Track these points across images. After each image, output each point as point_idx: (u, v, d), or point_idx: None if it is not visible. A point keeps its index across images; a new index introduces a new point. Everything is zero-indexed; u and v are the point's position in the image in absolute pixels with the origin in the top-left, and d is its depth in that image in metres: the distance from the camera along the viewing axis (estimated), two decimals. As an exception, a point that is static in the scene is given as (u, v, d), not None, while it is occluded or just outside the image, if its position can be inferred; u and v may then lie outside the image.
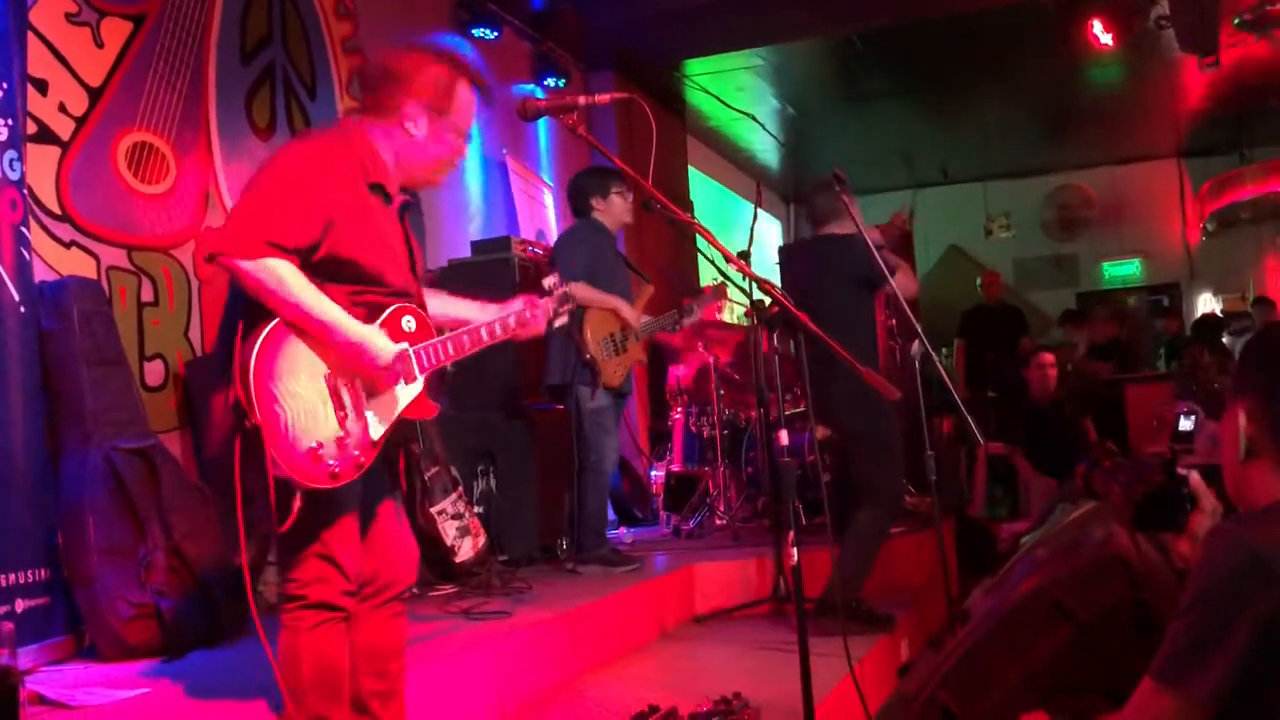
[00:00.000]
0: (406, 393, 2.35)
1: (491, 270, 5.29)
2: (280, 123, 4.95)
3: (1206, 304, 11.67)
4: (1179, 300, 11.83)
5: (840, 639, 2.89)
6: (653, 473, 6.87)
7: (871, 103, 9.46)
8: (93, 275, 3.89)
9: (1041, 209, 12.32)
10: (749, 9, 7.18)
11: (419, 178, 2.50)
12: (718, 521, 6.03)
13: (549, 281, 2.81)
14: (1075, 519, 2.28)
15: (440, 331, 2.47)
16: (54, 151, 3.82)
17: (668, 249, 8.05)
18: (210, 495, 3.81)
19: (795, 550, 2.43)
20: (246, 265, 2.12)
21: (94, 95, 3.98)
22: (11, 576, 3.16)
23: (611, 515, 5.84)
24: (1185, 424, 6.17)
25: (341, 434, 2.21)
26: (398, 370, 2.28)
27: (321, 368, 2.22)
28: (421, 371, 2.37)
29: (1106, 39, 7.58)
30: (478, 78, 2.50)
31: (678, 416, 6.51)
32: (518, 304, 2.66)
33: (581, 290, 4.49)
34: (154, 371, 4.14)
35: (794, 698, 2.52)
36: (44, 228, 3.74)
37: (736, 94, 9.12)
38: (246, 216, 2.18)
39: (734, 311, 7.90)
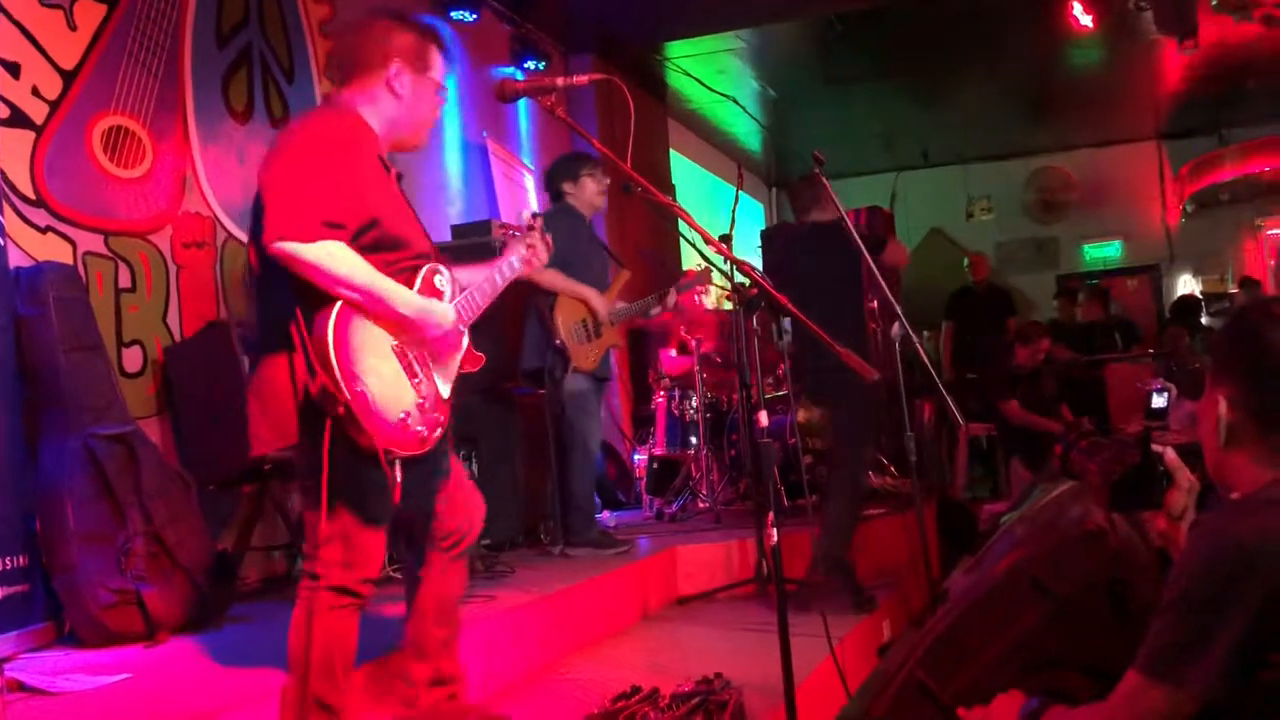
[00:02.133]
0: (459, 351, 2.49)
1: (472, 254, 5.26)
2: (258, 106, 4.91)
3: (1186, 285, 11.74)
4: (1159, 281, 11.90)
5: (821, 620, 2.90)
6: (636, 457, 6.87)
7: (853, 86, 9.44)
8: (69, 261, 3.85)
9: (1022, 191, 12.35)
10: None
11: (407, 139, 2.54)
12: (700, 504, 6.04)
13: (525, 214, 2.91)
14: (1053, 498, 2.30)
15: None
16: (28, 136, 3.78)
17: (649, 232, 8.04)
18: (190, 481, 3.80)
19: (775, 531, 2.43)
20: (308, 250, 2.15)
21: (68, 78, 3.94)
22: (-10, 564, 3.15)
23: (596, 499, 5.85)
24: (1158, 401, 6.21)
25: (420, 400, 2.31)
26: (460, 330, 2.43)
27: (389, 340, 2.29)
28: (463, 325, 2.50)
29: (1086, 21, 7.59)
30: (442, 39, 2.56)
31: (660, 400, 6.51)
32: (510, 251, 2.76)
33: (553, 278, 4.51)
34: (132, 358, 4.11)
35: (775, 677, 2.53)
36: (19, 213, 3.70)
37: (718, 77, 9.10)
38: (292, 202, 2.18)
39: (716, 296, 7.89)
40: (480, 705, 2.78)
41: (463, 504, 2.60)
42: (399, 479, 2.24)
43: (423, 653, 2.57)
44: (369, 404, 2.19)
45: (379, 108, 2.44)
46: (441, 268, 2.48)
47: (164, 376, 4.21)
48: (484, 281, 2.61)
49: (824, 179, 4.15)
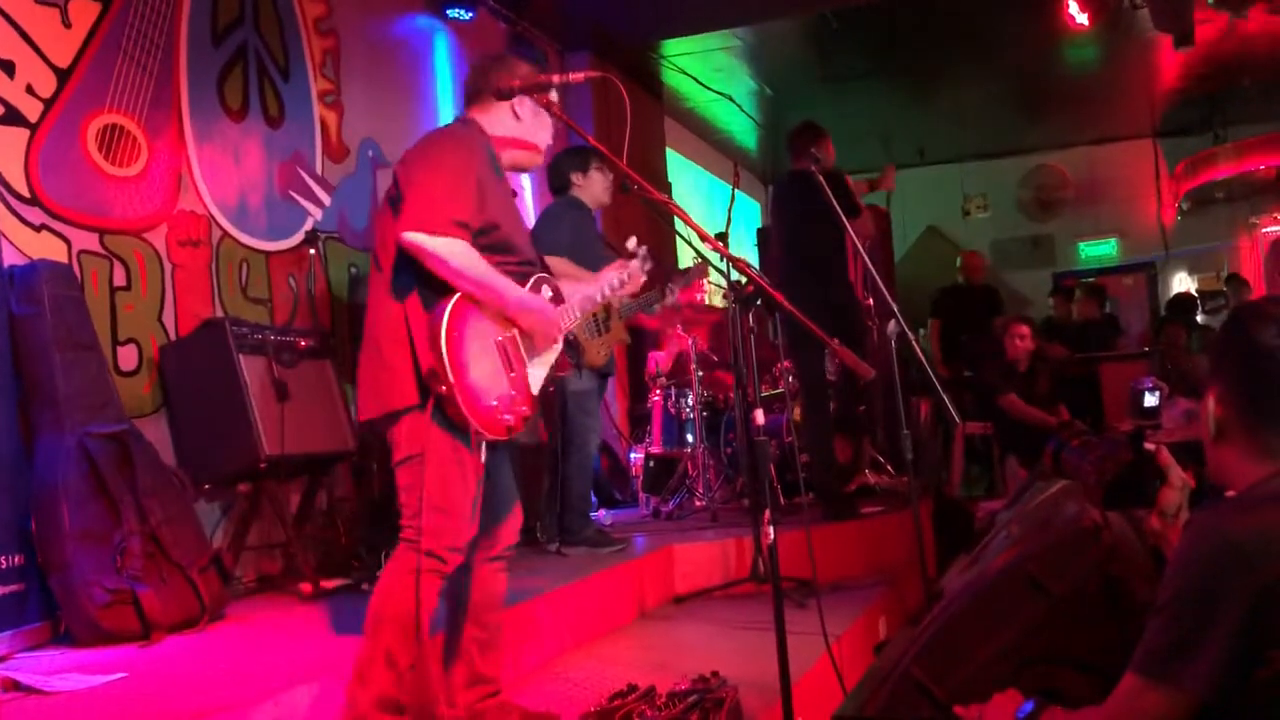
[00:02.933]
0: (552, 353, 2.73)
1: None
2: (253, 104, 4.90)
3: (1182, 283, 11.75)
4: (1155, 279, 11.91)
5: (819, 617, 2.90)
6: (632, 455, 6.87)
7: (848, 84, 9.44)
8: (64, 259, 3.84)
9: (1018, 189, 12.36)
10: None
11: (521, 161, 2.86)
12: (697, 503, 6.04)
13: (631, 243, 3.09)
14: (1049, 496, 2.30)
15: None
16: (22, 134, 3.77)
17: (646, 231, 8.01)
18: (186, 480, 3.80)
19: (772, 529, 2.43)
20: (436, 243, 2.43)
21: (62, 76, 3.93)
22: (-15, 563, 3.14)
23: (592, 498, 5.84)
24: (1150, 400, 6.20)
25: (512, 392, 2.56)
26: (563, 329, 2.70)
27: (493, 333, 2.56)
28: (561, 332, 2.74)
29: (1082, 19, 7.59)
30: (555, 83, 2.79)
31: (656, 399, 6.51)
32: (613, 270, 3.01)
33: (564, 265, 4.49)
34: (128, 356, 4.11)
35: (772, 675, 2.53)
36: (13, 211, 3.69)
37: (714, 75, 9.10)
38: (428, 200, 2.47)
39: (713, 293, 7.89)
40: (523, 705, 2.83)
41: (499, 510, 2.76)
42: (483, 459, 2.49)
43: (458, 652, 2.71)
44: (469, 386, 2.44)
45: (502, 127, 2.75)
46: (551, 281, 2.77)
47: (159, 375, 4.20)
48: (584, 298, 2.86)
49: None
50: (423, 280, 2.48)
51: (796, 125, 5.64)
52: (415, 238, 2.44)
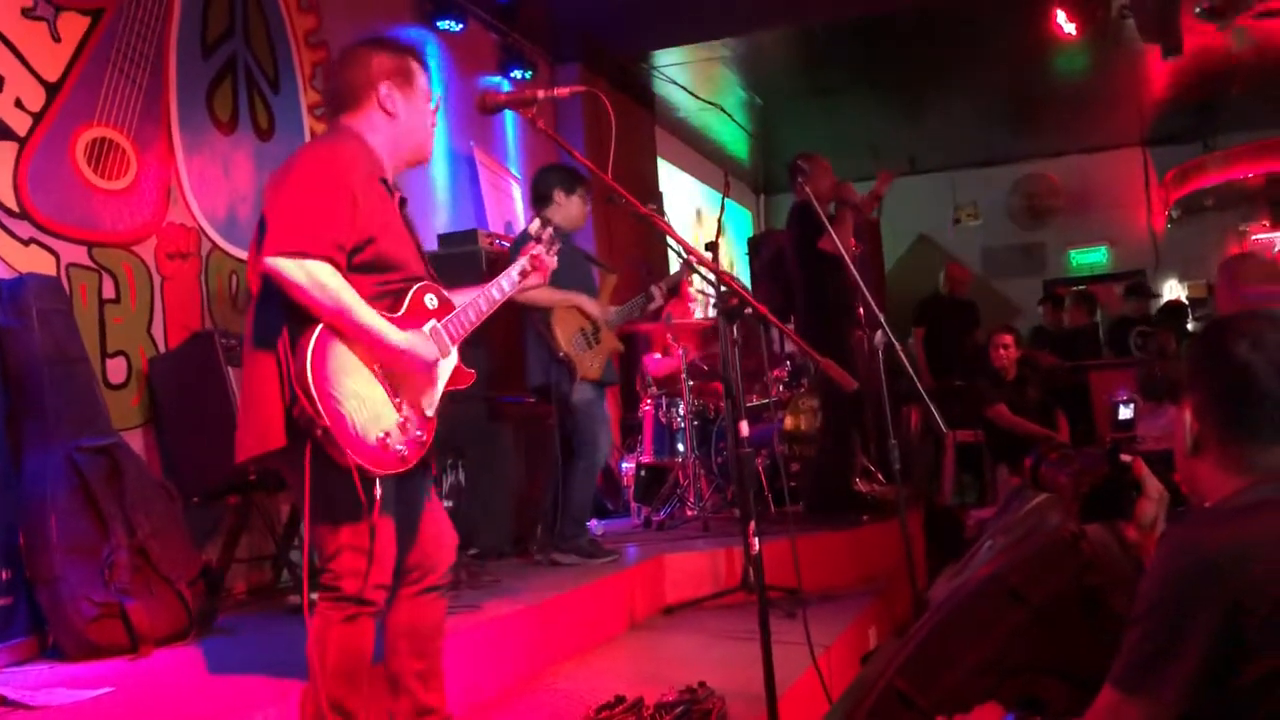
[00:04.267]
0: (445, 366, 2.50)
1: (459, 262, 5.28)
2: (242, 117, 4.91)
3: (1172, 290, 11.79)
4: (1147, 286, 11.94)
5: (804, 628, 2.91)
6: (623, 464, 6.87)
7: (838, 93, 9.49)
8: (52, 273, 3.85)
9: (1008, 198, 12.40)
10: (714, 0, 7.19)
11: (410, 157, 2.59)
12: (688, 512, 6.04)
13: (534, 226, 2.90)
14: (1032, 507, 2.31)
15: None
16: (11, 148, 3.77)
17: (636, 241, 8.06)
18: (175, 493, 3.80)
19: (757, 540, 2.44)
20: (298, 270, 2.20)
21: (51, 90, 3.94)
22: (-28, 577, 3.14)
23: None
24: (1125, 413, 6.22)
25: (401, 419, 2.35)
26: (422, 373, 2.42)
27: (369, 360, 2.33)
28: (453, 343, 2.53)
29: (1070, 29, 7.64)
30: (420, 54, 2.61)
31: (647, 408, 6.52)
32: (519, 261, 2.77)
33: (542, 292, 4.50)
34: (116, 369, 4.11)
35: (759, 686, 2.53)
36: (2, 225, 3.70)
37: (704, 85, 9.13)
38: (292, 222, 2.24)
39: (702, 304, 7.91)
40: None
41: (432, 536, 2.59)
42: (378, 495, 2.27)
43: (399, 686, 2.56)
44: (346, 426, 2.23)
45: (377, 130, 2.50)
46: (435, 288, 2.52)
47: (148, 388, 4.20)
48: (478, 298, 2.62)
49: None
50: (291, 311, 2.26)
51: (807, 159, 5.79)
52: (276, 263, 2.21)
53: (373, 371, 2.33)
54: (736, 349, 2.55)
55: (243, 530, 4.31)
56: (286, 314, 2.26)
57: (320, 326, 2.24)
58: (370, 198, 2.37)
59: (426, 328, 2.45)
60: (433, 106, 2.60)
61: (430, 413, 2.45)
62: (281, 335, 2.26)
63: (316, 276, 2.22)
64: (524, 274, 2.77)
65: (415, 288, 2.46)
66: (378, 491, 2.28)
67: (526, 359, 4.78)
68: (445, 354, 2.48)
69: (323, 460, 2.24)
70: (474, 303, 2.60)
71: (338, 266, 2.27)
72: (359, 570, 2.32)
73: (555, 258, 2.86)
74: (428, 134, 2.60)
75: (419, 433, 2.39)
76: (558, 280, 4.60)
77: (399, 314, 2.40)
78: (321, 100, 2.63)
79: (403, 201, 2.56)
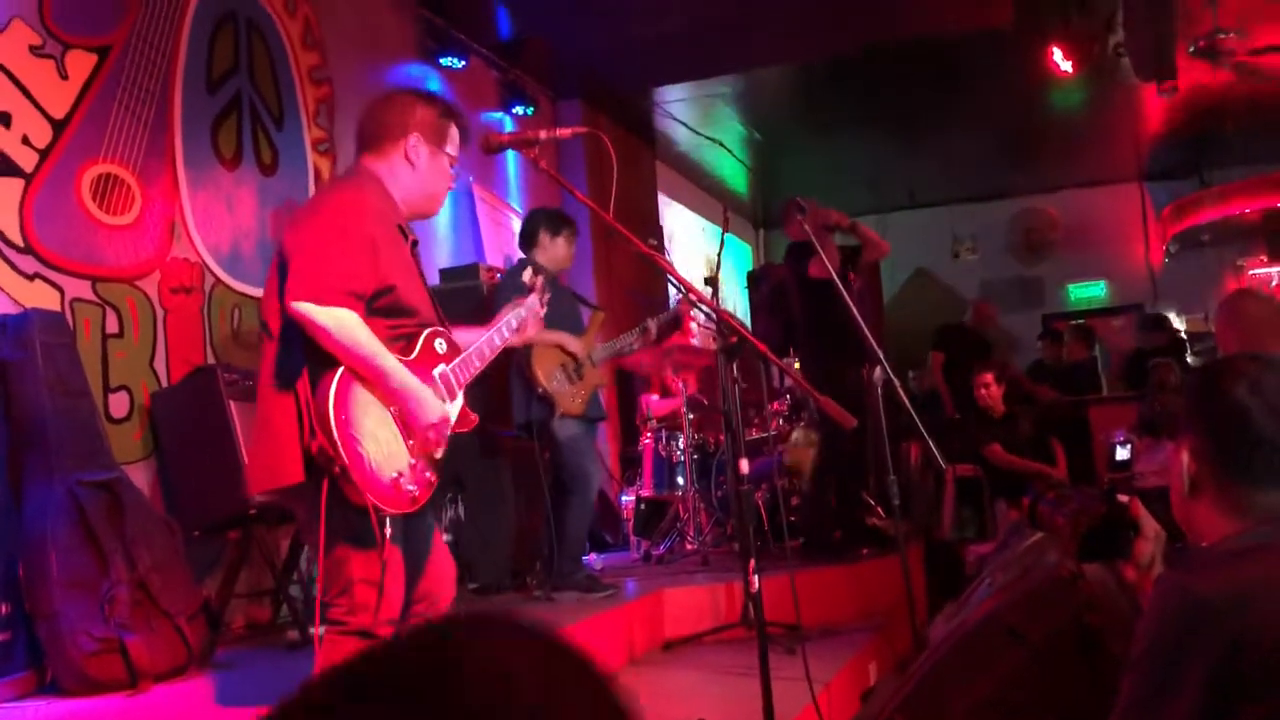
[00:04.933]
0: (451, 410, 2.56)
1: (459, 296, 5.31)
2: (246, 152, 4.96)
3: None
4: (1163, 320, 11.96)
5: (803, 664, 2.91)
6: (623, 498, 6.87)
7: (838, 129, 9.56)
8: (56, 307, 3.87)
9: (1007, 232, 12.46)
10: (715, 38, 7.27)
11: (419, 209, 2.69)
12: (688, 546, 6.03)
13: (527, 275, 3.00)
14: (1030, 545, 2.32)
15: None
16: (17, 184, 3.81)
17: (636, 275, 8.10)
18: (176, 527, 3.80)
19: (756, 577, 2.45)
20: (325, 315, 2.29)
21: (58, 127, 3.98)
22: (-28, 612, 3.14)
23: (585, 543, 5.84)
24: (1122, 453, 6.21)
25: (414, 461, 2.42)
26: (440, 427, 2.46)
27: (386, 403, 2.40)
28: (459, 387, 2.60)
29: (1066, 66, 7.71)
30: (463, 118, 2.71)
31: (647, 441, 6.53)
32: (508, 310, 2.86)
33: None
34: (119, 403, 4.12)
35: (758, 723, 2.53)
36: (7, 260, 3.73)
37: (705, 121, 9.20)
38: (319, 267, 2.33)
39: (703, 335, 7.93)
40: None
41: (437, 570, 2.66)
42: (388, 534, 2.33)
43: None
44: (364, 465, 2.30)
45: (396, 176, 2.60)
46: (445, 334, 2.60)
47: (150, 422, 4.21)
48: (482, 345, 2.71)
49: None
50: (313, 352, 2.34)
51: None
52: (303, 308, 2.30)
53: (389, 414, 2.40)
54: (736, 386, 2.57)
55: (242, 565, 4.31)
56: (307, 355, 2.35)
57: (342, 369, 2.32)
58: (389, 245, 2.46)
59: (435, 371, 2.54)
60: (453, 173, 2.70)
61: (439, 455, 2.51)
62: (302, 376, 2.35)
63: (343, 323, 2.30)
64: (520, 322, 2.84)
65: (426, 332, 2.55)
66: (388, 530, 2.34)
67: (511, 397, 4.82)
68: (452, 397, 2.57)
69: (337, 497, 2.31)
70: (478, 350, 2.69)
71: (360, 312, 2.35)
72: (369, 605, 2.37)
73: (546, 306, 2.96)
74: (438, 195, 2.70)
75: (429, 475, 2.46)
76: (544, 318, 4.66)
77: (411, 357, 2.48)
78: (356, 132, 2.70)
79: (415, 244, 2.65)
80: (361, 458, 2.30)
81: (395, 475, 2.36)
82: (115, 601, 3.36)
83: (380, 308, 2.42)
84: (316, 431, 2.28)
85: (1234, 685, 1.39)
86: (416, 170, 2.59)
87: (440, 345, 2.58)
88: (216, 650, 3.72)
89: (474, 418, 2.64)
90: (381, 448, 2.35)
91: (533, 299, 2.91)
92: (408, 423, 2.42)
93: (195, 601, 3.65)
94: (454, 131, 2.66)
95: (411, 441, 2.43)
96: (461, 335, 2.74)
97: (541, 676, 0.65)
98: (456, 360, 2.61)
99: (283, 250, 2.43)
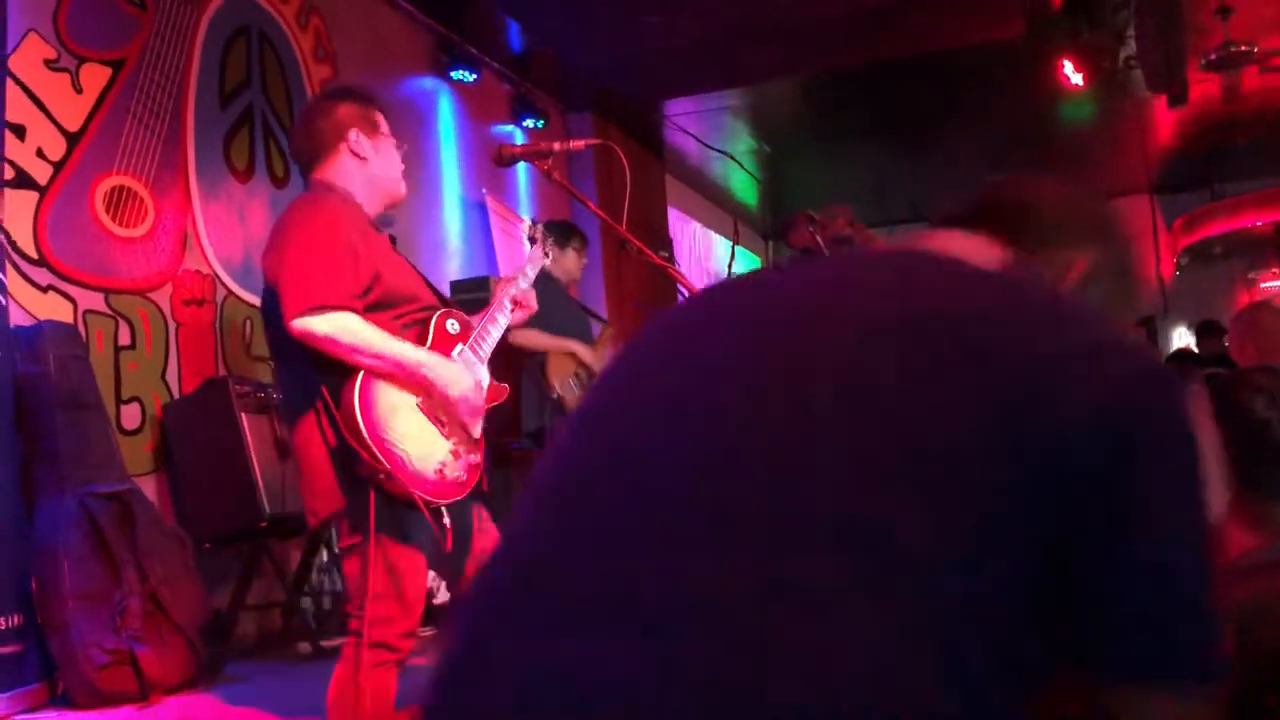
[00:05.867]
0: (481, 377, 2.55)
1: (471, 308, 5.28)
2: (259, 165, 4.97)
3: (1182, 338, 11.77)
4: (1155, 334, 11.93)
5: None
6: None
7: (847, 140, 9.56)
8: (69, 319, 3.88)
9: (1017, 244, 12.43)
10: (724, 51, 7.27)
11: (389, 195, 2.65)
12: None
13: (525, 227, 2.95)
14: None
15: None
16: (31, 197, 3.82)
17: (647, 288, 8.09)
18: (187, 539, 3.80)
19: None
20: (323, 324, 2.26)
21: (72, 140, 4.00)
22: (-16, 624, 3.14)
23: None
24: None
25: (453, 447, 2.41)
26: (475, 395, 2.46)
27: (411, 398, 2.38)
28: (481, 361, 2.58)
29: (1077, 79, 7.70)
30: (378, 99, 2.71)
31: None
32: (500, 293, 2.81)
33: (537, 337, 4.57)
34: (131, 414, 4.13)
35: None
36: (20, 272, 3.74)
37: (714, 133, 9.21)
38: (303, 281, 2.30)
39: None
40: None
41: (482, 541, 2.62)
42: (448, 525, 2.36)
43: None
44: (406, 466, 2.30)
45: (351, 176, 2.56)
46: (456, 313, 2.58)
47: (162, 433, 4.22)
48: (493, 312, 2.70)
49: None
50: (325, 367, 2.31)
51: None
52: (302, 323, 2.27)
53: (417, 406, 2.39)
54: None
55: (253, 577, 4.31)
56: (319, 371, 2.32)
57: (360, 375, 2.30)
58: (365, 241, 2.43)
59: (455, 352, 2.51)
60: (399, 148, 2.67)
61: (477, 434, 2.49)
62: (321, 393, 2.32)
63: (344, 325, 2.28)
64: (515, 300, 2.79)
65: (436, 315, 2.52)
66: (446, 520, 2.35)
67: (521, 405, 4.82)
68: (478, 375, 2.55)
69: (384, 504, 2.30)
70: (490, 318, 2.68)
71: (357, 311, 2.32)
72: (391, 617, 2.35)
73: (549, 258, 2.95)
74: (398, 174, 2.66)
75: (472, 456, 2.46)
76: (553, 325, 4.68)
77: (427, 344, 2.46)
78: (293, 158, 2.71)
79: (392, 239, 2.63)
80: (402, 460, 2.29)
81: (439, 466, 2.36)
82: (127, 613, 3.36)
83: (375, 301, 2.39)
84: (352, 446, 2.26)
85: (1256, 700, 1.37)
86: (368, 162, 2.57)
87: (452, 325, 2.55)
88: (227, 662, 3.72)
89: (504, 388, 2.63)
90: (419, 444, 2.34)
91: (535, 250, 2.90)
92: (440, 402, 2.41)
93: (206, 613, 3.65)
94: (378, 112, 2.65)
95: (445, 428, 2.42)
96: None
97: None
98: (472, 336, 2.59)
99: (266, 279, 2.43)
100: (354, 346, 2.29)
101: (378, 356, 2.31)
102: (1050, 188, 1.22)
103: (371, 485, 2.29)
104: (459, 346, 2.54)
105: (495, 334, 2.67)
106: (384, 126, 2.64)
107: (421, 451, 2.35)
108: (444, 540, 2.35)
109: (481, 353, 2.60)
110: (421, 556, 2.40)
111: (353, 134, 2.56)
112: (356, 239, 2.40)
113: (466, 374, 2.46)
